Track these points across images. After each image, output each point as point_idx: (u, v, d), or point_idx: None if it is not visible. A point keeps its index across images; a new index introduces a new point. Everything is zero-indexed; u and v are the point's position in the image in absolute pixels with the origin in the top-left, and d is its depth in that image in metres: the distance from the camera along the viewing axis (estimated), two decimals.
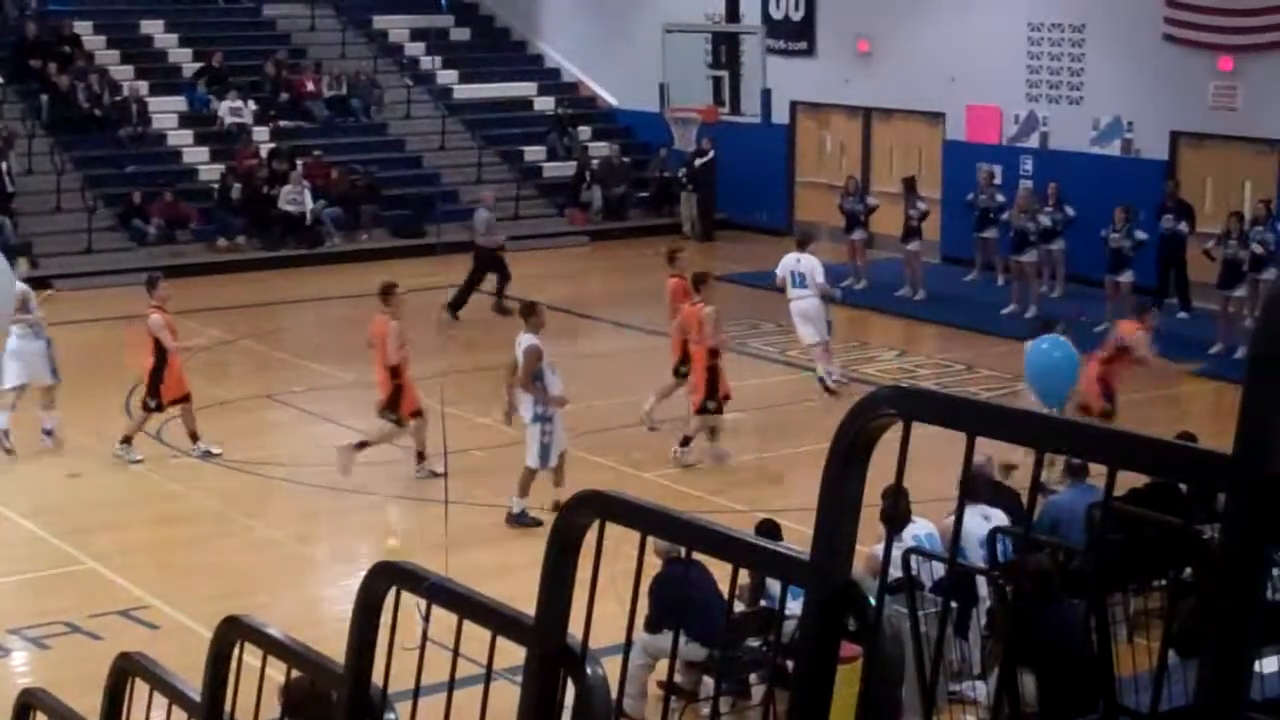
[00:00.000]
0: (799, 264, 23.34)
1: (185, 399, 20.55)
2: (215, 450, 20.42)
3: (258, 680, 4.71)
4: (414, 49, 40.79)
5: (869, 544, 11.04)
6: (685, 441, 19.87)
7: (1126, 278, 26.20)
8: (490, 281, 28.60)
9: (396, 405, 19.58)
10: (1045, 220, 28.05)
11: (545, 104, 40.27)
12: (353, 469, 19.14)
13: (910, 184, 30.09)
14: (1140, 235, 26.29)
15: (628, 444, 20.63)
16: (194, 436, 20.50)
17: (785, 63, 34.83)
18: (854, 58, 34.44)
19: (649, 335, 27.28)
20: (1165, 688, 2.66)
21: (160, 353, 20.24)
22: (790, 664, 2.90)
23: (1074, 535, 13.59)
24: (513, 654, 3.43)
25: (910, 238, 29.46)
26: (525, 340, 17.98)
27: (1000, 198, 29.62)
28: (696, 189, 36.35)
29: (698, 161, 35.81)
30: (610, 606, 3.42)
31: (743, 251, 34.77)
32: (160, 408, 20.48)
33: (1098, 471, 2.41)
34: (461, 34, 42.03)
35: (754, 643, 12.63)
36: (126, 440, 20.38)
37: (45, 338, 21.07)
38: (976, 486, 13.87)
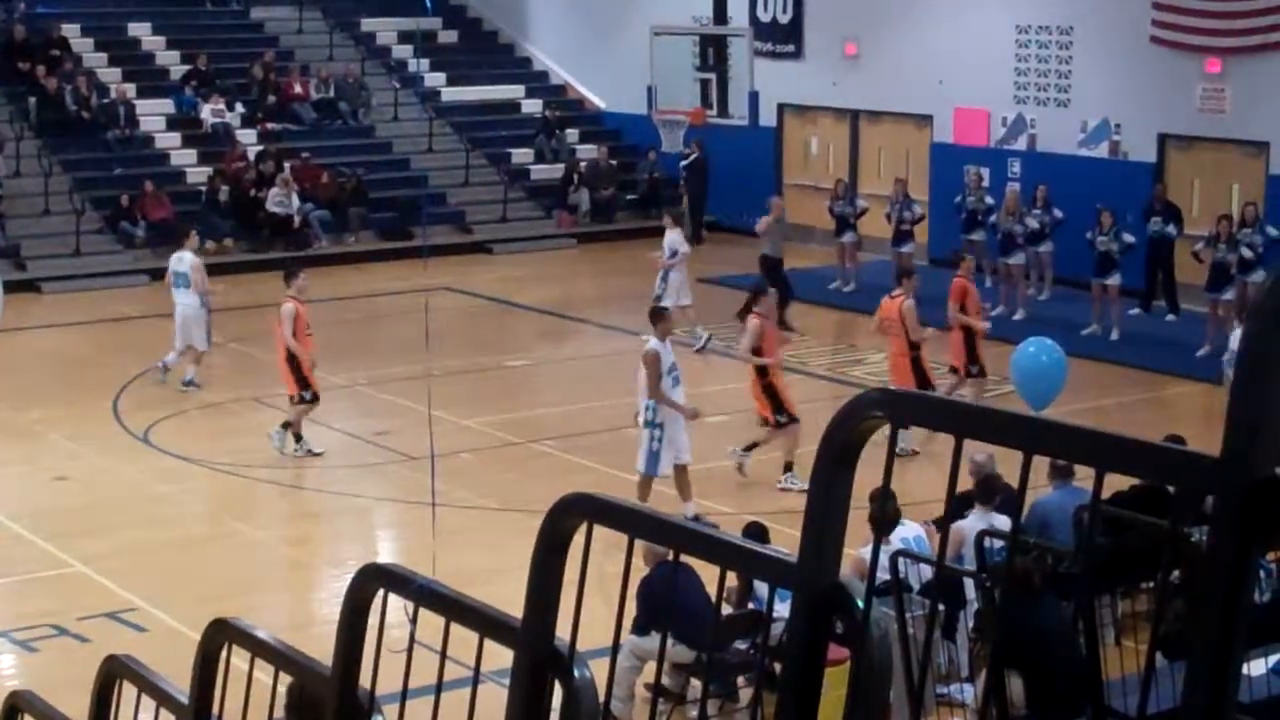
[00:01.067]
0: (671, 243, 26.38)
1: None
2: (317, 450, 20.37)
3: (246, 683, 4.71)
4: (402, 51, 40.76)
5: (857, 546, 11.05)
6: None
7: (1114, 280, 26.23)
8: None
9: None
10: (1033, 223, 28.08)
11: (533, 106, 40.27)
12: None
13: (903, 186, 30.13)
14: (1128, 238, 26.31)
15: (615, 446, 20.61)
16: (297, 436, 20.48)
17: (773, 65, 34.86)
18: (841, 60, 34.47)
19: (636, 338, 27.29)
20: (1153, 690, 2.66)
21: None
22: (778, 666, 2.90)
23: (1062, 536, 13.61)
24: (500, 656, 3.43)
25: (903, 241, 29.47)
26: (648, 346, 17.63)
27: (988, 200, 29.65)
28: (686, 191, 36.44)
29: (682, 164, 35.88)
30: (598, 609, 3.42)
31: (731, 254, 34.79)
32: (315, 397, 20.41)
33: (1084, 472, 2.41)
34: (449, 36, 42.00)
35: (742, 645, 12.62)
36: (298, 437, 20.35)
37: (209, 308, 23.81)
38: (992, 491, 13.90)
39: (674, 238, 26.73)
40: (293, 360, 20.32)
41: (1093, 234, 26.43)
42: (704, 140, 34.98)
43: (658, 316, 18.23)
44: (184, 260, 24.13)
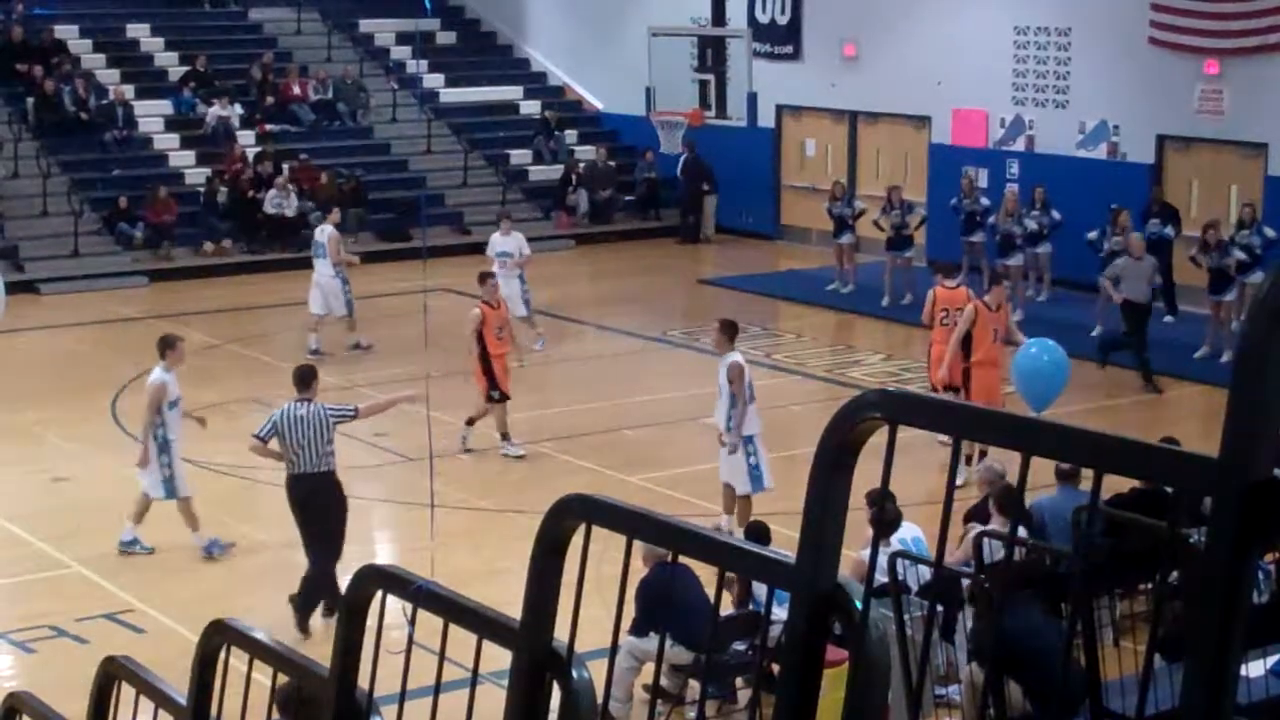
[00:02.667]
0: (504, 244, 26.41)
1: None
2: (520, 453, 20.36)
3: (244, 684, 4.71)
4: (400, 53, 40.75)
5: (855, 548, 11.05)
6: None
7: None
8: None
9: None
10: (1031, 224, 28.08)
11: (531, 108, 40.27)
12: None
13: (898, 192, 30.07)
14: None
15: (613, 448, 20.62)
16: (504, 435, 20.51)
17: (771, 66, 34.86)
18: (840, 61, 34.47)
19: (634, 339, 27.31)
20: (1151, 691, 2.66)
21: (484, 344, 20.38)
22: (776, 667, 2.90)
23: (1059, 537, 13.62)
24: (499, 658, 3.43)
25: (904, 246, 29.38)
26: (733, 359, 17.30)
27: (985, 201, 29.65)
28: (684, 191, 36.54)
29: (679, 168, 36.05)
30: (596, 610, 3.42)
31: (728, 255, 34.82)
32: (505, 397, 20.44)
33: (1087, 475, 2.41)
34: (448, 38, 42.00)
35: (740, 646, 12.63)
36: (504, 436, 20.39)
37: (344, 278, 25.72)
38: (1017, 504, 13.88)
39: (518, 240, 26.56)
40: (485, 362, 20.33)
41: (1099, 234, 26.40)
42: (695, 141, 34.91)
43: (733, 329, 17.61)
44: (324, 231, 26.28)
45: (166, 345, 17.44)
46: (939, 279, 21.26)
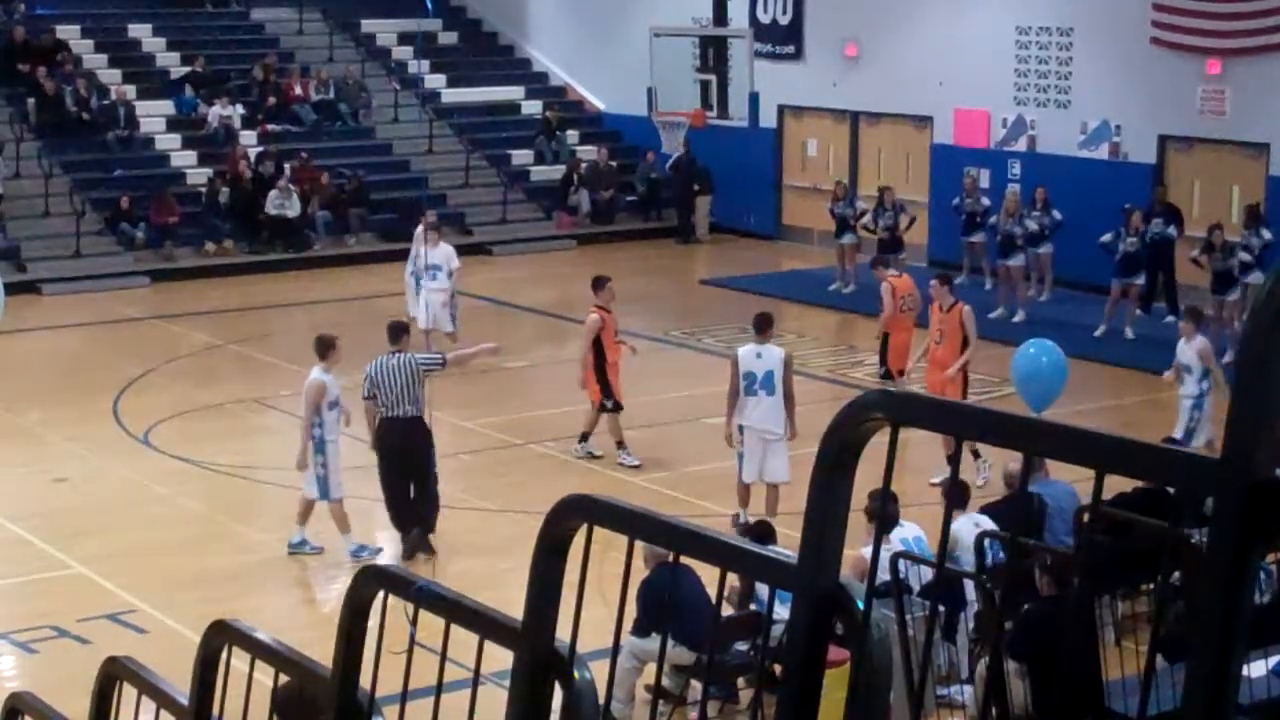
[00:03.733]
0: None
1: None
2: (636, 462, 20.06)
3: (246, 684, 4.70)
4: (402, 53, 40.75)
5: (856, 548, 11.05)
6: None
7: (1139, 280, 26.37)
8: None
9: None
10: (1031, 224, 28.07)
11: (533, 108, 40.28)
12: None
13: (890, 194, 30.05)
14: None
15: (614, 447, 20.61)
16: (584, 436, 20.39)
17: (773, 66, 34.87)
18: (842, 61, 34.47)
19: (636, 339, 27.29)
20: (1153, 691, 2.66)
21: (600, 351, 20.07)
22: (778, 668, 2.90)
23: (1053, 529, 13.64)
24: (501, 658, 3.43)
25: (895, 249, 29.33)
26: (778, 352, 17.59)
27: (986, 201, 29.66)
28: (676, 191, 36.63)
29: (668, 164, 36.11)
30: (598, 610, 3.42)
31: (730, 255, 34.82)
32: (619, 407, 20.14)
33: (1081, 472, 2.41)
34: (449, 38, 42.02)
35: (742, 646, 12.63)
36: (620, 445, 20.19)
37: (454, 293, 25.02)
38: (962, 493, 13.93)
39: (447, 252, 25.59)
40: (600, 370, 20.02)
41: (1113, 236, 26.39)
42: (690, 141, 34.91)
43: (766, 322, 17.98)
44: (448, 256, 25.37)
45: (327, 345, 17.34)
46: (882, 272, 21.70)
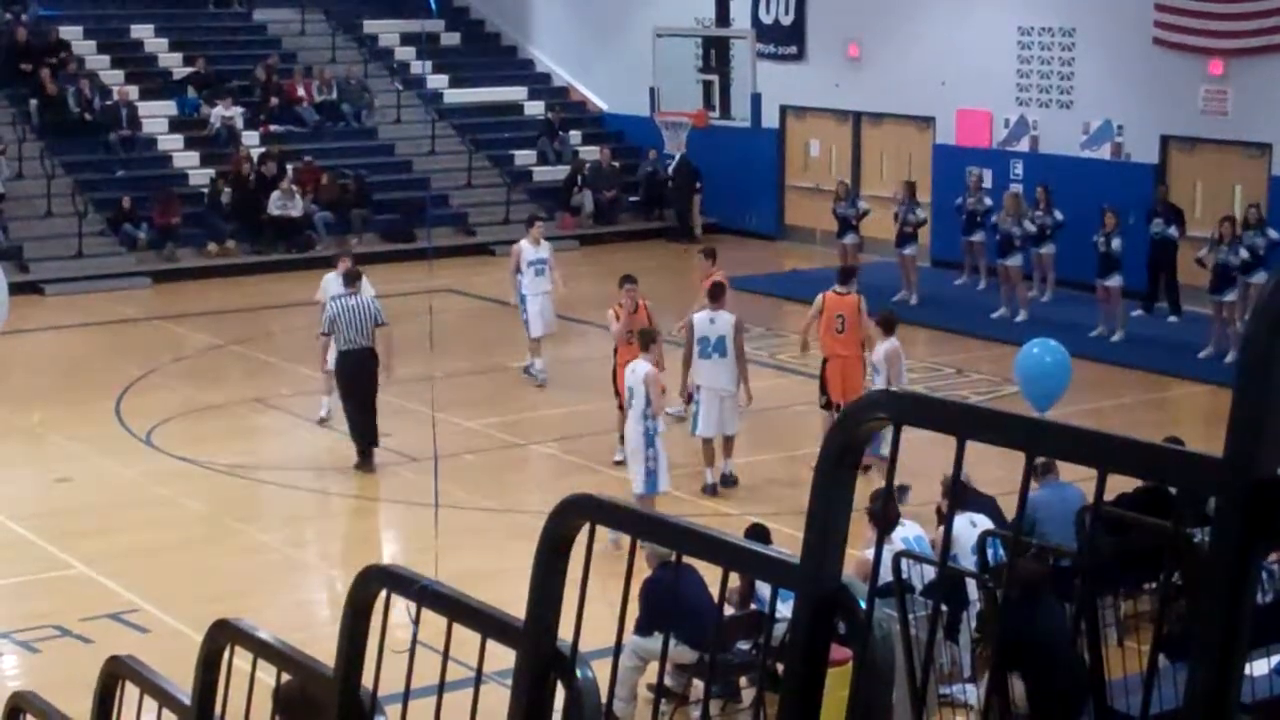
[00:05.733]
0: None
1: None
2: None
3: (248, 684, 4.71)
4: (404, 53, 40.76)
5: (858, 547, 11.05)
6: None
7: (1114, 282, 26.16)
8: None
9: None
10: (1030, 225, 28.04)
11: (535, 108, 40.28)
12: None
13: (911, 189, 30.06)
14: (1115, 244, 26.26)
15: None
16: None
17: (775, 67, 34.84)
18: (844, 62, 34.47)
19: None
20: (1155, 691, 2.66)
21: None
22: (780, 667, 2.90)
23: (1051, 532, 13.63)
24: (503, 657, 3.43)
25: (906, 243, 29.42)
26: (729, 317, 18.79)
27: (988, 201, 29.67)
28: (675, 192, 36.66)
29: (669, 166, 36.16)
30: (600, 609, 3.42)
31: (732, 255, 34.77)
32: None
33: (1082, 472, 2.41)
34: (452, 38, 42.02)
35: (744, 646, 12.63)
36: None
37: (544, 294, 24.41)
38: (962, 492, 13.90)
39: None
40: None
41: (1100, 235, 26.40)
42: (690, 141, 34.86)
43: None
44: (548, 248, 25.18)
45: (649, 339, 17.84)
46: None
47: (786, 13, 35.55)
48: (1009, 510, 13.81)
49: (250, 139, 36.20)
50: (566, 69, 41.48)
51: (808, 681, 2.76)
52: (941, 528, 12.98)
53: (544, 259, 24.46)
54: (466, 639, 3.54)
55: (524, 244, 24.52)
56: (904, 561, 11.60)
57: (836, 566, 2.77)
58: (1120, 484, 11.27)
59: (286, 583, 16.84)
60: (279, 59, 38.64)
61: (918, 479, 16.22)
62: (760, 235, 36.37)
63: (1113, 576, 12.31)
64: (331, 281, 21.69)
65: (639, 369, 17.37)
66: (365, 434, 19.92)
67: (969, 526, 13.26)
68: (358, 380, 19.74)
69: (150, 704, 5.49)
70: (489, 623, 3.51)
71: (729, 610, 12.42)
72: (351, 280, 20.23)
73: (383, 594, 3.91)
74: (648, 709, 12.48)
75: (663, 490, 17.32)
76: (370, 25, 41.08)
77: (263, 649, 4.65)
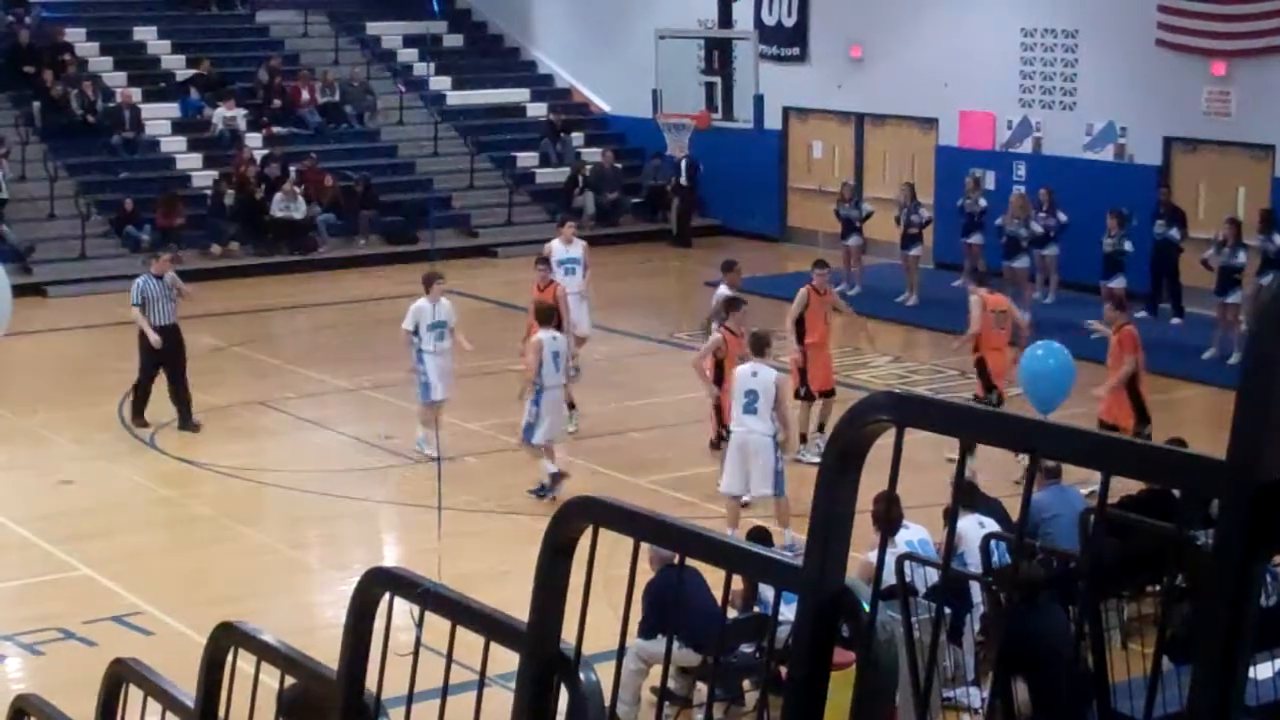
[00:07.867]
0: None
1: (829, 393, 20.45)
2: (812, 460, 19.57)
3: (251, 686, 4.71)
4: (407, 55, 40.78)
5: (861, 550, 11.05)
6: None
7: (1117, 283, 26.12)
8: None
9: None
10: (1036, 226, 28.04)
11: (538, 110, 40.27)
12: None
13: (911, 191, 30.08)
14: (1127, 246, 26.25)
15: (619, 450, 20.62)
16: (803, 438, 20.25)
17: (778, 69, 34.83)
18: (847, 63, 34.46)
19: (641, 341, 27.31)
20: (1159, 693, 2.66)
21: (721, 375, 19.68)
22: (784, 670, 2.90)
23: (1058, 535, 13.63)
24: (506, 660, 3.43)
25: (911, 244, 29.44)
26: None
27: (983, 203, 29.66)
28: (677, 193, 36.66)
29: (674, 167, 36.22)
30: (604, 612, 3.42)
31: (734, 257, 34.73)
32: (810, 397, 20.32)
33: (1083, 474, 2.41)
34: (454, 40, 42.03)
35: (748, 648, 12.63)
36: (803, 439, 20.06)
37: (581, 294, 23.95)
38: (970, 493, 13.88)
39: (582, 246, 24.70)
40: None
41: (1106, 239, 26.36)
42: (694, 143, 34.83)
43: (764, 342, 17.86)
44: (582, 247, 24.79)
45: (764, 344, 17.54)
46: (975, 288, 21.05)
47: (789, 14, 35.54)
48: (1015, 514, 13.80)
49: (253, 141, 36.20)
50: (569, 71, 41.48)
51: (811, 684, 2.76)
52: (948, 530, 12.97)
53: (576, 258, 24.12)
54: (469, 642, 3.54)
55: (555, 243, 24.30)
56: (907, 564, 11.59)
57: (840, 569, 2.77)
58: (1126, 485, 11.27)
59: (290, 585, 16.83)
60: (282, 61, 38.65)
61: (918, 480, 16.21)
62: (763, 237, 36.35)
63: (1116, 579, 12.29)
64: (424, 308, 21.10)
65: (762, 372, 16.98)
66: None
67: (977, 527, 13.26)
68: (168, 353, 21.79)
69: (154, 706, 5.49)
70: (492, 625, 3.51)
71: (732, 613, 12.41)
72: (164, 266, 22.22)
73: (386, 597, 3.91)
74: (651, 712, 12.48)
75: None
76: (373, 27, 41.09)
77: (266, 651, 4.65)
